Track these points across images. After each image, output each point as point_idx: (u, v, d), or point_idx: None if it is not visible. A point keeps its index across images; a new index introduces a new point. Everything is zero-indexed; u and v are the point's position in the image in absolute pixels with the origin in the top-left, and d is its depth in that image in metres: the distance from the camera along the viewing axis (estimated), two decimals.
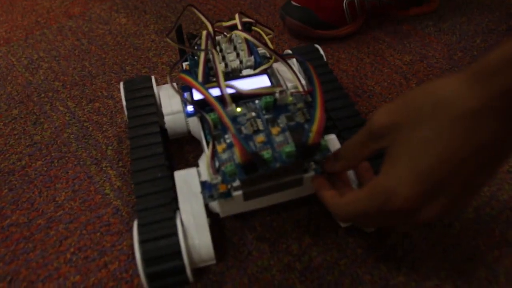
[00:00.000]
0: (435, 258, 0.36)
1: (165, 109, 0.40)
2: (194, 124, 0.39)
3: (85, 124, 0.48)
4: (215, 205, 0.34)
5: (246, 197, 0.31)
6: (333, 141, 0.36)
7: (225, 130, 0.31)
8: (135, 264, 0.36)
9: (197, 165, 0.37)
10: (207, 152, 0.32)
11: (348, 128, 0.38)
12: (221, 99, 0.31)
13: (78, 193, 0.41)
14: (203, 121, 0.35)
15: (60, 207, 0.40)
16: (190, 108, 0.34)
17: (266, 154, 0.29)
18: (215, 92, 0.33)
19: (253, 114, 0.32)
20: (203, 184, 0.32)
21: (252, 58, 0.37)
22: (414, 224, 0.28)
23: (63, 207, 0.40)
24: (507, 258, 0.36)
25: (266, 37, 0.37)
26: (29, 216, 0.40)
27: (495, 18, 0.60)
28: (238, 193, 0.31)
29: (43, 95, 0.52)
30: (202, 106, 0.33)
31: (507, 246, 0.37)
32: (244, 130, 0.31)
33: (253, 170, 0.28)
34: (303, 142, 0.28)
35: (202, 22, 0.36)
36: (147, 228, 0.31)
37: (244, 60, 0.37)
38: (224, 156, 0.29)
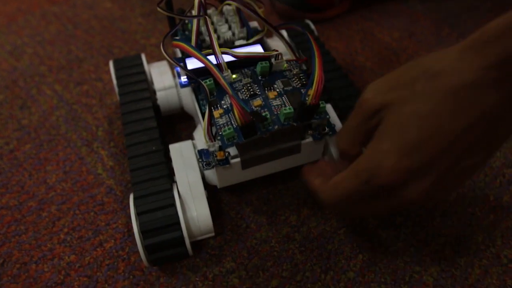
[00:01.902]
0: (433, 224, 0.36)
1: (157, 85, 0.39)
2: (187, 98, 0.39)
3: (74, 107, 0.47)
4: (212, 176, 0.33)
5: (244, 165, 0.31)
6: (329, 109, 0.35)
7: (221, 96, 0.30)
8: (132, 242, 0.35)
9: (192, 138, 0.36)
10: (202, 123, 0.32)
11: (343, 98, 0.38)
12: (216, 66, 0.31)
13: (70, 174, 0.40)
14: (197, 91, 0.34)
15: (52, 189, 0.39)
16: (183, 78, 0.33)
17: (266, 115, 0.28)
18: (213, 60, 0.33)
19: (249, 79, 0.31)
20: (200, 153, 0.31)
21: (244, 29, 0.37)
22: (399, 206, 0.26)
23: (54, 188, 0.39)
24: (503, 222, 0.36)
25: (257, 9, 0.36)
26: (19, 199, 0.39)
27: None
28: (236, 160, 0.30)
29: (29, 79, 0.50)
30: (197, 75, 0.32)
31: (502, 210, 0.37)
32: (241, 95, 0.30)
33: (252, 133, 0.28)
34: (302, 103, 0.28)
35: None
36: (144, 200, 0.31)
37: (236, 32, 0.37)
38: (222, 121, 0.29)
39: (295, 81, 0.31)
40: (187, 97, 0.39)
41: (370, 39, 0.54)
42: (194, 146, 0.34)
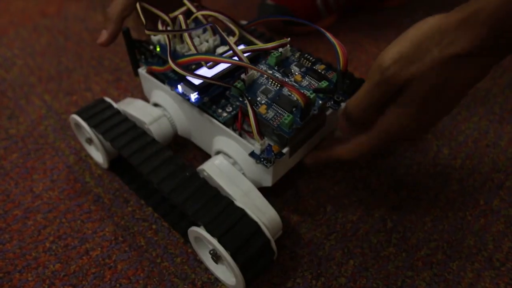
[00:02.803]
0: (424, 229, 0.36)
1: (146, 118, 0.36)
2: (182, 123, 0.37)
3: (63, 116, 0.46)
4: (260, 177, 0.33)
5: (291, 151, 0.32)
6: None
7: (253, 94, 0.30)
8: (118, 249, 0.35)
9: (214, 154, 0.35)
10: (228, 131, 0.32)
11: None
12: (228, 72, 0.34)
13: (57, 183, 0.40)
14: (207, 107, 0.33)
15: (38, 197, 0.39)
16: (194, 96, 0.33)
17: (310, 94, 0.29)
18: (218, 68, 0.34)
19: (269, 71, 0.32)
20: (254, 155, 0.30)
21: (217, 36, 0.37)
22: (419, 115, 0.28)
23: (41, 197, 0.39)
24: (494, 226, 0.36)
25: (215, 14, 0.35)
26: (4, 207, 0.38)
27: None
28: (286, 149, 0.31)
29: (18, 90, 0.50)
30: (206, 90, 0.33)
31: (492, 214, 0.37)
32: (271, 87, 0.31)
33: (308, 112, 0.29)
34: (340, 71, 0.30)
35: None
36: (217, 223, 0.29)
37: (210, 40, 0.36)
38: (271, 114, 0.29)
39: (305, 62, 0.33)
40: (182, 122, 0.37)
41: (358, 50, 0.55)
42: (226, 158, 0.34)
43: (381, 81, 0.27)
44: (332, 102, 0.33)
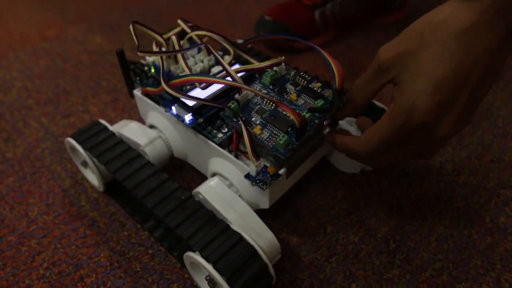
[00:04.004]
0: (428, 249, 0.35)
1: (141, 140, 0.36)
2: (178, 145, 0.37)
3: (60, 139, 0.46)
4: (256, 199, 0.32)
5: (288, 172, 0.31)
6: None
7: (248, 114, 0.30)
8: (114, 275, 0.34)
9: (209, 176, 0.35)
10: (224, 152, 0.32)
11: None
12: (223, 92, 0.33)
13: (52, 207, 0.39)
14: (201, 128, 0.33)
15: (33, 222, 0.38)
16: (188, 117, 0.32)
17: (306, 114, 0.29)
18: (212, 89, 0.34)
19: (264, 91, 0.31)
20: (250, 177, 0.30)
21: (212, 56, 0.37)
22: (434, 145, 0.28)
23: (36, 222, 0.38)
24: (501, 244, 0.35)
25: (210, 34, 0.35)
26: None
27: None
28: (283, 170, 0.31)
29: (15, 112, 0.50)
30: (200, 111, 0.32)
31: (499, 232, 0.36)
32: (266, 107, 0.30)
33: (303, 132, 0.29)
34: (335, 89, 0.30)
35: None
36: (211, 248, 0.28)
37: (205, 60, 0.36)
38: (265, 135, 0.29)
39: (301, 80, 0.33)
40: (177, 143, 0.37)
41: (356, 66, 0.55)
42: (222, 180, 0.33)
43: (372, 63, 0.28)
44: (329, 121, 0.32)
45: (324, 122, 0.31)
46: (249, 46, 0.41)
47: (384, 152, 0.29)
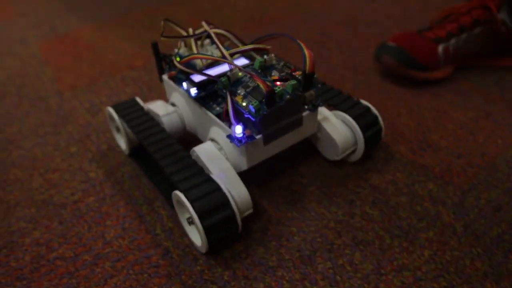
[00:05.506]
0: None
1: (161, 112, 0.44)
2: (189, 119, 0.45)
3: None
4: (238, 161, 0.38)
5: (266, 139, 0.37)
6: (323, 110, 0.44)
7: (235, 87, 0.36)
8: None
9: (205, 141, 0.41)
10: (217, 121, 0.38)
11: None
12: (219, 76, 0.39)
13: (128, 231, 0.39)
14: (204, 101, 0.41)
15: (108, 244, 0.38)
16: (193, 91, 0.40)
17: (277, 88, 0.34)
18: (216, 71, 0.41)
19: (253, 72, 0.36)
20: (230, 137, 0.36)
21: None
22: None
23: (111, 244, 0.38)
24: None
25: (223, 32, 0.42)
26: (76, 250, 0.38)
27: None
28: (259, 136, 0.36)
29: (101, 135, 0.52)
30: (204, 86, 0.40)
31: None
32: (250, 84, 0.36)
33: (273, 102, 0.33)
34: (304, 72, 0.34)
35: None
36: (193, 191, 0.34)
37: (216, 52, 0.44)
38: (244, 103, 0.34)
39: (286, 70, 0.37)
40: (189, 118, 0.45)
41: (443, 118, 0.52)
42: (214, 144, 0.40)
43: None
44: (306, 106, 0.39)
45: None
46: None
47: None
